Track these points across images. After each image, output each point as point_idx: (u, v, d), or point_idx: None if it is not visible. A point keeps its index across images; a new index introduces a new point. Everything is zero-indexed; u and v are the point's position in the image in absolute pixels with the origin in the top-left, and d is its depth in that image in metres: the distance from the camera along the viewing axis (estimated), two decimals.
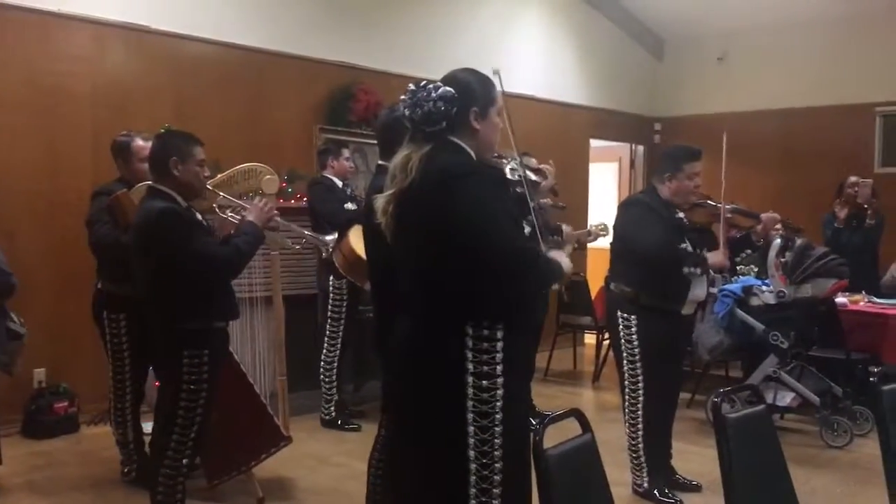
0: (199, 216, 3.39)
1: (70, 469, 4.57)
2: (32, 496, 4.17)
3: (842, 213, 7.02)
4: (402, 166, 2.42)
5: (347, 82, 6.78)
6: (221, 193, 3.75)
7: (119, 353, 4.21)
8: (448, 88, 2.40)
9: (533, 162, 5.28)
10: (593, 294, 7.06)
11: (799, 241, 5.36)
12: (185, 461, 3.34)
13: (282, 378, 4.16)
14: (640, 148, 10.18)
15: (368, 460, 3.31)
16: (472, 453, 2.36)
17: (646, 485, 4.18)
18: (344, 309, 5.38)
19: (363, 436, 5.11)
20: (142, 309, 3.40)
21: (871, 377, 2.94)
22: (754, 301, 5.44)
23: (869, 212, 6.89)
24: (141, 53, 5.75)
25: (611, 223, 4.72)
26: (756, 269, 6.00)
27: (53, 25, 5.33)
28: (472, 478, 2.36)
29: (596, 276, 6.92)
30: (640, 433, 4.14)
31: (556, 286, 2.65)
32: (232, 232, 3.50)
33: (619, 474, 4.13)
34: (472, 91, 2.45)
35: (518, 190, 3.05)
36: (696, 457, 4.70)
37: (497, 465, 2.36)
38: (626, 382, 4.15)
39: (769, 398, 5.19)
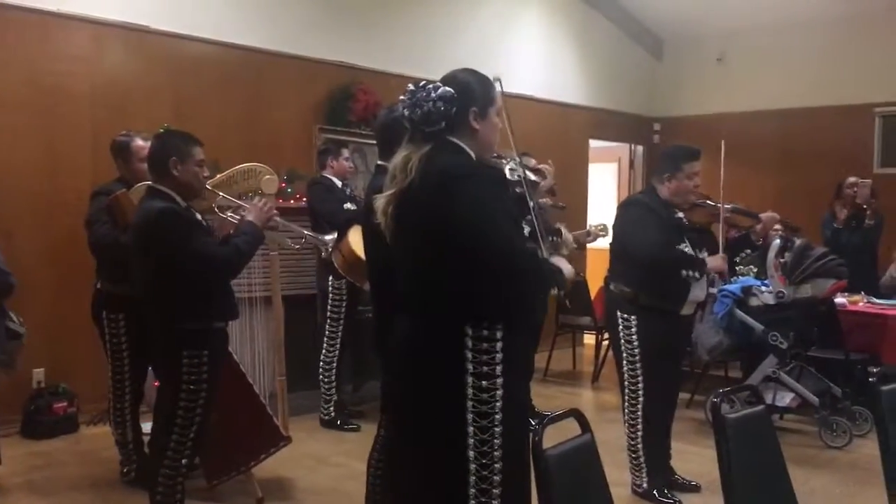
0: (198, 216, 3.38)
1: (69, 469, 4.57)
2: (31, 496, 4.17)
3: (842, 213, 7.02)
4: (402, 166, 2.42)
5: (347, 82, 6.78)
6: (221, 193, 3.75)
7: (118, 353, 4.21)
8: (447, 88, 2.40)
9: (532, 162, 5.28)
10: (592, 294, 7.07)
11: (798, 242, 5.37)
12: (184, 461, 3.33)
13: (281, 378, 4.16)
14: (640, 148, 10.19)
15: (368, 460, 3.31)
16: (471, 453, 2.36)
17: (645, 485, 4.18)
18: (343, 309, 5.38)
19: (362, 436, 5.11)
20: (141, 309, 3.40)
21: (871, 377, 2.93)
22: (753, 301, 5.44)
23: (868, 212, 6.89)
24: (140, 53, 5.75)
25: (610, 223, 4.72)
26: (755, 270, 6.00)
27: (53, 25, 5.33)
28: (472, 478, 2.36)
29: (595, 277, 6.91)
30: (640, 433, 4.14)
31: (556, 292, 2.62)
32: (231, 232, 3.50)
33: (619, 474, 4.13)
34: (471, 91, 2.44)
35: (517, 190, 3.05)
36: (695, 457, 4.70)
37: (497, 465, 2.36)
38: (626, 383, 4.15)
39: (768, 398, 5.19)
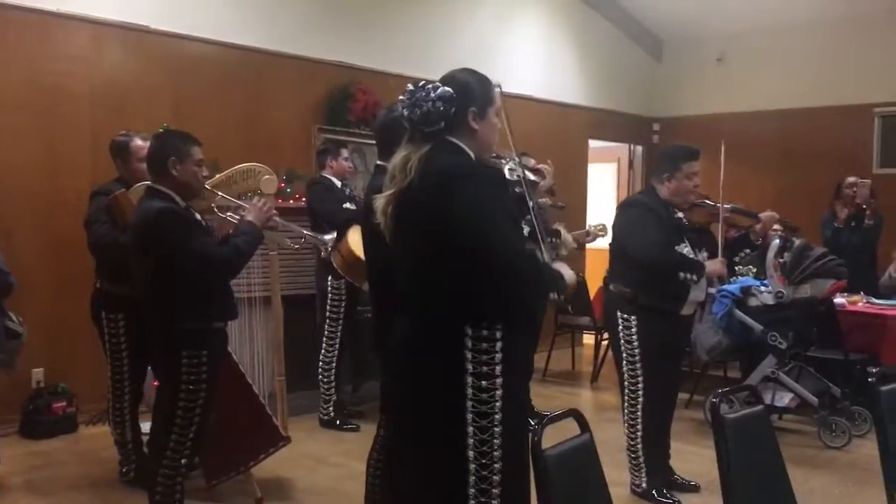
0: (197, 216, 3.38)
1: (68, 469, 4.57)
2: (30, 496, 4.17)
3: (843, 212, 7.02)
4: (402, 167, 2.42)
5: (346, 82, 6.78)
6: (220, 193, 3.74)
7: (117, 352, 4.21)
8: (446, 88, 2.40)
9: (531, 162, 5.28)
10: (592, 294, 7.07)
11: (797, 242, 5.37)
12: (183, 461, 3.33)
13: (280, 378, 4.16)
14: (639, 148, 10.19)
15: (367, 460, 3.31)
16: (471, 453, 2.35)
17: (644, 485, 4.18)
18: (342, 309, 5.38)
19: (362, 436, 5.11)
20: (140, 309, 3.40)
21: (870, 378, 2.94)
22: (753, 301, 5.45)
23: (867, 212, 6.90)
24: (139, 53, 5.75)
25: (609, 224, 4.72)
26: (755, 270, 6.00)
27: (52, 25, 5.33)
28: (472, 478, 2.36)
29: (594, 277, 6.92)
30: (640, 433, 4.14)
31: (556, 296, 2.62)
32: (231, 232, 3.50)
33: (618, 474, 4.13)
34: (470, 91, 2.44)
35: (517, 190, 3.05)
36: (694, 457, 4.70)
37: (496, 465, 2.36)
38: (626, 383, 4.14)
39: (767, 399, 5.19)
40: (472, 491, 2.36)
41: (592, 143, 9.51)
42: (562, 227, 5.50)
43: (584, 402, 6.60)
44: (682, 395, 5.35)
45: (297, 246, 4.61)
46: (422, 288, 2.43)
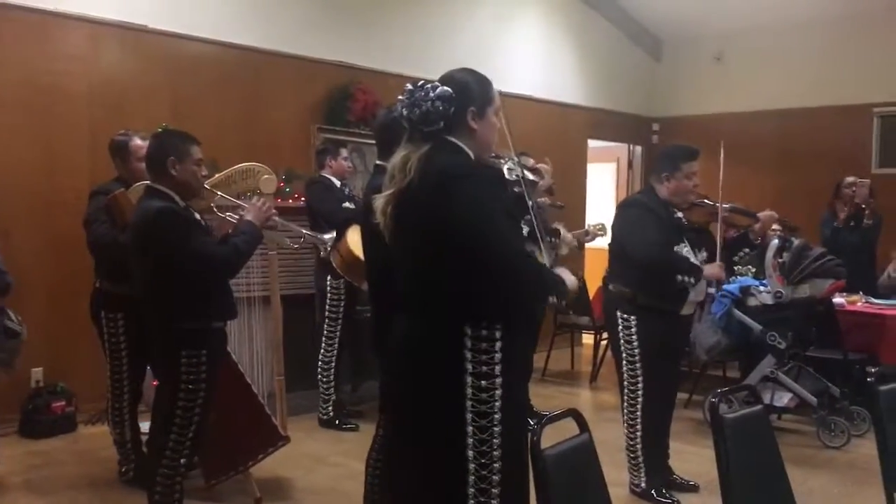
0: (196, 216, 3.38)
1: (67, 469, 4.56)
2: (30, 496, 4.17)
3: (843, 212, 7.02)
4: (401, 166, 2.41)
5: (345, 82, 6.78)
6: (219, 193, 3.74)
7: (117, 352, 4.21)
8: (446, 88, 2.40)
9: (530, 162, 5.28)
10: (591, 294, 7.07)
11: (796, 242, 5.37)
12: (182, 461, 3.33)
13: (279, 378, 4.16)
14: (638, 148, 10.19)
15: (366, 460, 3.31)
16: (470, 453, 2.35)
17: (643, 485, 4.18)
18: (342, 309, 5.38)
19: (361, 436, 5.11)
20: (140, 308, 3.40)
21: (869, 377, 2.94)
22: (752, 301, 5.45)
23: (867, 212, 6.90)
24: (138, 53, 5.74)
25: (608, 223, 4.72)
26: (754, 270, 6.00)
27: (50, 25, 5.32)
28: (471, 478, 2.36)
29: (594, 276, 6.92)
30: (639, 433, 4.14)
31: (556, 300, 2.62)
32: (230, 231, 3.50)
33: (617, 474, 4.13)
34: (469, 91, 2.44)
35: (516, 190, 3.05)
36: (693, 457, 4.70)
37: (496, 464, 2.36)
38: (626, 383, 4.14)
39: (766, 398, 5.20)
40: (471, 491, 2.36)
41: (592, 143, 9.51)
42: (561, 227, 5.50)
43: (584, 402, 6.60)
44: (681, 395, 5.35)
45: (296, 245, 4.60)
46: (421, 288, 2.43)
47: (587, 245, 6.75)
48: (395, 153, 2.47)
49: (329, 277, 5.31)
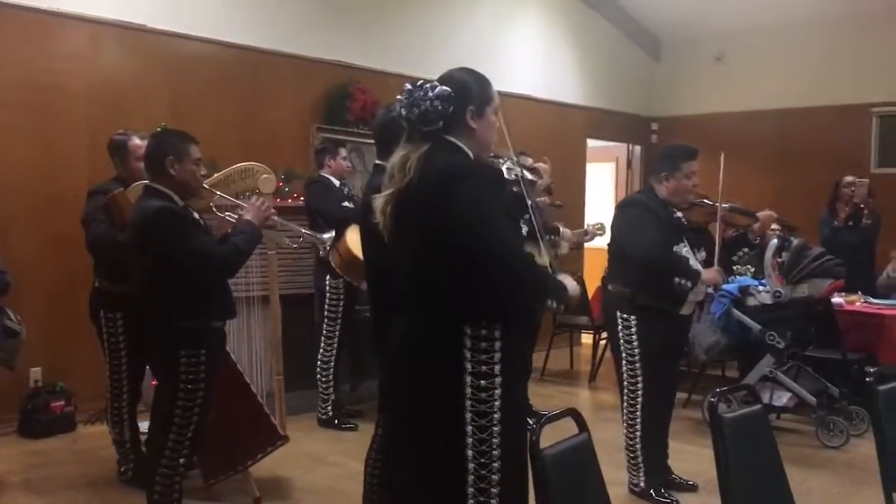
0: (195, 215, 3.38)
1: (66, 468, 4.56)
2: (29, 495, 4.17)
3: (844, 211, 7.02)
4: (401, 166, 2.41)
5: (344, 81, 6.78)
6: (218, 192, 3.74)
7: (116, 352, 4.21)
8: (445, 87, 2.40)
9: (528, 161, 5.28)
10: (590, 294, 7.07)
11: (795, 242, 5.37)
12: (181, 460, 3.33)
13: (278, 377, 4.15)
14: (637, 148, 10.19)
15: (365, 460, 3.31)
16: (470, 453, 2.35)
17: (642, 484, 4.18)
18: (341, 308, 5.38)
19: (360, 435, 5.11)
20: (139, 308, 3.40)
21: (868, 377, 2.94)
22: (751, 301, 5.45)
23: (865, 211, 6.91)
24: (137, 52, 5.74)
25: (608, 223, 4.72)
26: (752, 269, 6.00)
27: (50, 24, 5.32)
28: (471, 477, 2.36)
29: (593, 276, 6.92)
30: (638, 433, 4.14)
31: (555, 305, 2.60)
32: (229, 231, 3.50)
33: (616, 474, 4.13)
34: (468, 90, 2.44)
35: (514, 189, 3.05)
36: (692, 456, 4.70)
37: (495, 464, 2.36)
38: (626, 383, 4.14)
39: (765, 398, 5.20)
40: (470, 490, 2.36)
41: (591, 143, 9.51)
42: (560, 225, 5.50)
43: (583, 402, 6.60)
44: (680, 395, 5.35)
45: (295, 245, 4.60)
46: (421, 287, 2.43)
47: (586, 245, 6.75)
48: (395, 153, 2.47)
49: (328, 277, 5.31)
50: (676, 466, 4.40)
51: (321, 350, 5.43)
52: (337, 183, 5.49)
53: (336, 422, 5.45)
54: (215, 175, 3.90)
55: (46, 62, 5.30)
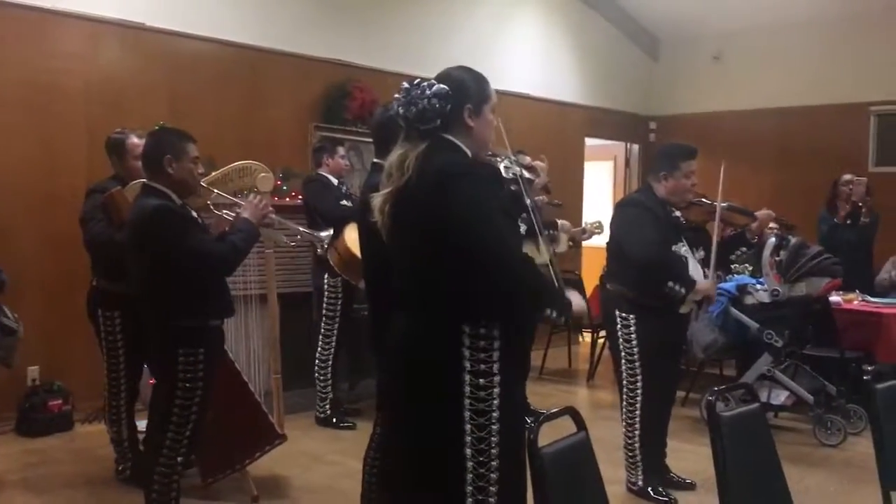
0: (193, 213, 3.38)
1: (64, 467, 4.56)
2: (26, 494, 4.16)
3: (844, 209, 7.03)
4: (399, 165, 2.41)
5: (342, 80, 6.78)
6: (216, 191, 3.74)
7: (114, 350, 4.20)
8: (442, 86, 2.39)
9: (526, 160, 5.27)
10: (588, 293, 7.07)
11: (793, 240, 5.38)
12: (179, 459, 3.33)
13: (276, 376, 4.15)
14: (636, 147, 10.20)
15: (363, 458, 3.31)
16: (468, 451, 2.35)
17: (640, 483, 4.18)
18: (339, 307, 5.38)
19: (358, 434, 5.11)
20: (137, 306, 3.39)
21: (865, 375, 2.94)
22: (749, 300, 5.46)
23: (863, 210, 6.91)
24: (136, 51, 5.74)
25: (605, 221, 4.72)
26: (750, 268, 6.01)
27: (49, 22, 5.32)
28: (469, 476, 2.36)
29: (591, 275, 6.92)
30: (637, 432, 4.14)
31: (554, 314, 2.58)
32: (227, 229, 3.50)
33: (614, 472, 4.13)
34: (466, 88, 2.44)
35: (513, 188, 3.05)
36: (690, 455, 4.70)
37: (494, 463, 2.36)
38: (625, 382, 4.14)
39: (763, 397, 5.20)
40: (469, 489, 2.36)
41: (589, 142, 9.52)
42: (559, 220, 5.49)
43: (581, 400, 6.60)
44: (679, 393, 5.33)
45: (292, 243, 4.60)
46: (419, 286, 2.43)
47: (584, 243, 6.75)
48: (393, 151, 2.47)
49: (326, 275, 5.30)
50: (674, 465, 4.41)
51: (319, 348, 5.43)
52: (335, 181, 5.49)
53: (334, 420, 5.45)
54: (213, 173, 3.90)
55: (45, 61, 5.30)
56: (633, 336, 4.07)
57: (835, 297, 5.79)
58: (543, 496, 1.98)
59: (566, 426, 2.20)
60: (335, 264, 5.07)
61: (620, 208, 4.29)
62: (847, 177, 7.08)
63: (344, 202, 5.29)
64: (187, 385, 3.25)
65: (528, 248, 2.65)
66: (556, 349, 7.52)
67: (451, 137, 2.43)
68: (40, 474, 4.43)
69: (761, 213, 4.46)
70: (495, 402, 2.36)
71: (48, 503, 4.06)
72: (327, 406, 5.48)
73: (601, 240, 5.10)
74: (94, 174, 4.77)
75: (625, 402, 4.17)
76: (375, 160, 3.22)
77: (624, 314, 4.09)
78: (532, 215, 2.72)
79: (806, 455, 4.97)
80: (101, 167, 4.61)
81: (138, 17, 5.69)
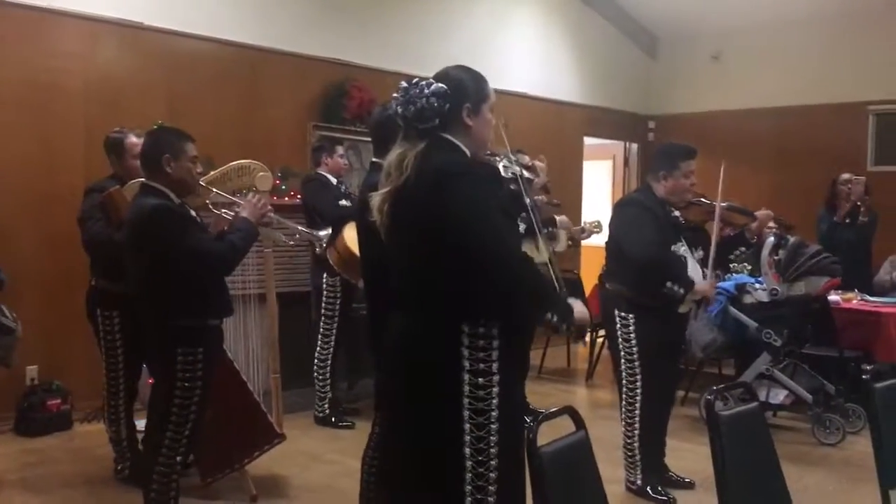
0: (192, 213, 3.38)
1: (63, 467, 4.56)
2: (25, 494, 4.16)
3: (844, 208, 7.03)
4: (397, 164, 2.41)
5: (341, 79, 6.78)
6: (215, 190, 3.74)
7: (112, 350, 4.20)
8: (441, 85, 2.39)
9: (525, 159, 5.27)
10: (587, 292, 7.06)
11: (792, 240, 5.38)
12: (178, 459, 3.33)
13: (275, 375, 4.15)
14: (634, 146, 10.20)
15: (362, 458, 3.31)
16: (467, 451, 2.35)
17: (639, 482, 4.18)
18: (338, 306, 5.38)
19: (357, 433, 5.11)
20: (135, 306, 3.39)
21: (864, 375, 2.94)
22: (747, 299, 5.46)
23: (862, 209, 6.92)
24: (134, 50, 5.73)
25: (604, 221, 4.72)
26: (749, 268, 6.01)
27: (47, 21, 5.31)
28: (468, 475, 2.36)
29: (590, 274, 6.92)
30: (637, 431, 4.14)
31: (554, 319, 2.56)
32: (226, 228, 3.50)
33: (613, 471, 4.13)
34: (464, 88, 2.44)
35: (512, 187, 3.05)
36: (689, 454, 4.70)
37: (493, 462, 2.36)
38: (625, 381, 4.14)
39: (762, 396, 5.21)
40: (468, 488, 2.36)
41: (588, 141, 9.52)
42: (557, 217, 5.48)
43: (580, 400, 6.60)
44: (678, 392, 5.35)
45: (291, 242, 4.60)
46: (418, 286, 2.43)
47: (583, 243, 6.75)
48: (391, 150, 2.47)
49: (325, 274, 5.30)
50: (673, 464, 4.41)
51: (318, 348, 5.43)
52: (334, 181, 5.48)
53: (333, 420, 5.45)
54: (212, 172, 3.90)
55: (44, 60, 5.29)
56: (632, 336, 4.07)
57: (833, 297, 5.80)
58: (542, 495, 1.98)
59: (565, 425, 2.20)
60: (335, 263, 5.07)
61: (620, 208, 4.29)
62: (846, 176, 7.09)
63: (343, 201, 5.29)
64: (186, 384, 3.25)
65: (527, 248, 2.65)
66: (555, 348, 7.52)
67: (449, 137, 2.42)
68: (39, 474, 4.43)
69: (761, 213, 4.47)
70: (494, 401, 2.36)
71: (47, 503, 4.06)
72: (326, 405, 5.47)
73: (600, 239, 5.10)
74: (93, 173, 4.77)
75: (624, 402, 4.17)
76: (374, 159, 3.22)
77: (623, 314, 4.09)
78: (531, 214, 2.72)
79: (805, 454, 4.97)
80: (99, 166, 4.61)
81: (137, 16, 5.69)
